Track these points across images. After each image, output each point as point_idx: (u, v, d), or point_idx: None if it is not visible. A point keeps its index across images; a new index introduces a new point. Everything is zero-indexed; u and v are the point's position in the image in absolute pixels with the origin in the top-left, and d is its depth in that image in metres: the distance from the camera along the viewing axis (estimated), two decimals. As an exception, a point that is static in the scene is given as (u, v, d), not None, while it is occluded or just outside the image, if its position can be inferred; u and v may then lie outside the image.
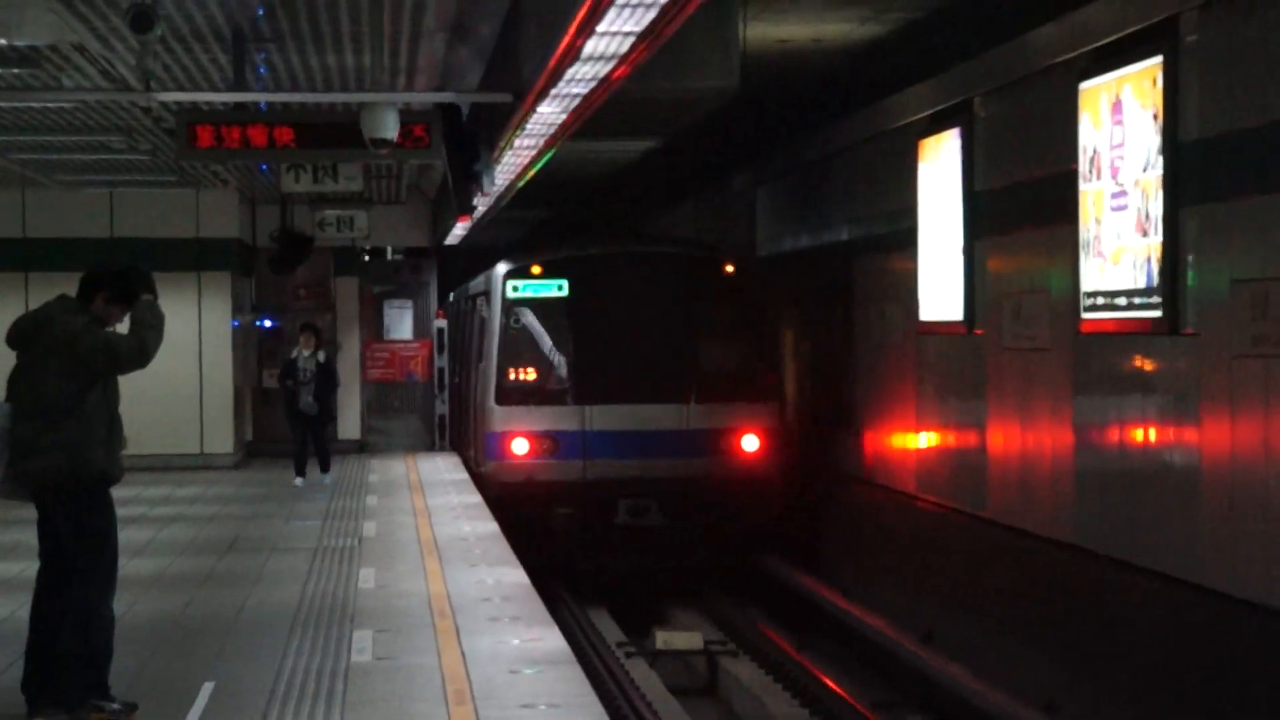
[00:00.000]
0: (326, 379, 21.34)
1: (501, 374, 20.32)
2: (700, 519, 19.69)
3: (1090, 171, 12.31)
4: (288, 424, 21.74)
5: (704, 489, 19.71)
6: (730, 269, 20.70)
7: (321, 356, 21.33)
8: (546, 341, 20.38)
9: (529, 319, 20.42)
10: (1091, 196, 12.32)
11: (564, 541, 19.77)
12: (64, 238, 23.25)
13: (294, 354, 21.45)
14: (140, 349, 8.47)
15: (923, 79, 16.19)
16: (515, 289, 20.49)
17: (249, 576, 13.69)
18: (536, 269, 20.55)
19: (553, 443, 19.98)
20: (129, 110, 15.84)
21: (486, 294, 21.36)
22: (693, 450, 19.82)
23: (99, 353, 8.44)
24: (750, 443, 20.01)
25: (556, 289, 20.44)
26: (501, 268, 20.81)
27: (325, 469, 21.61)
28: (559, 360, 20.35)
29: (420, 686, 9.39)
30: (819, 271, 20.68)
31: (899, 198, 16.95)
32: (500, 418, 20.23)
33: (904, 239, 16.71)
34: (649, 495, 19.69)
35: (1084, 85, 12.33)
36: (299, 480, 21.19)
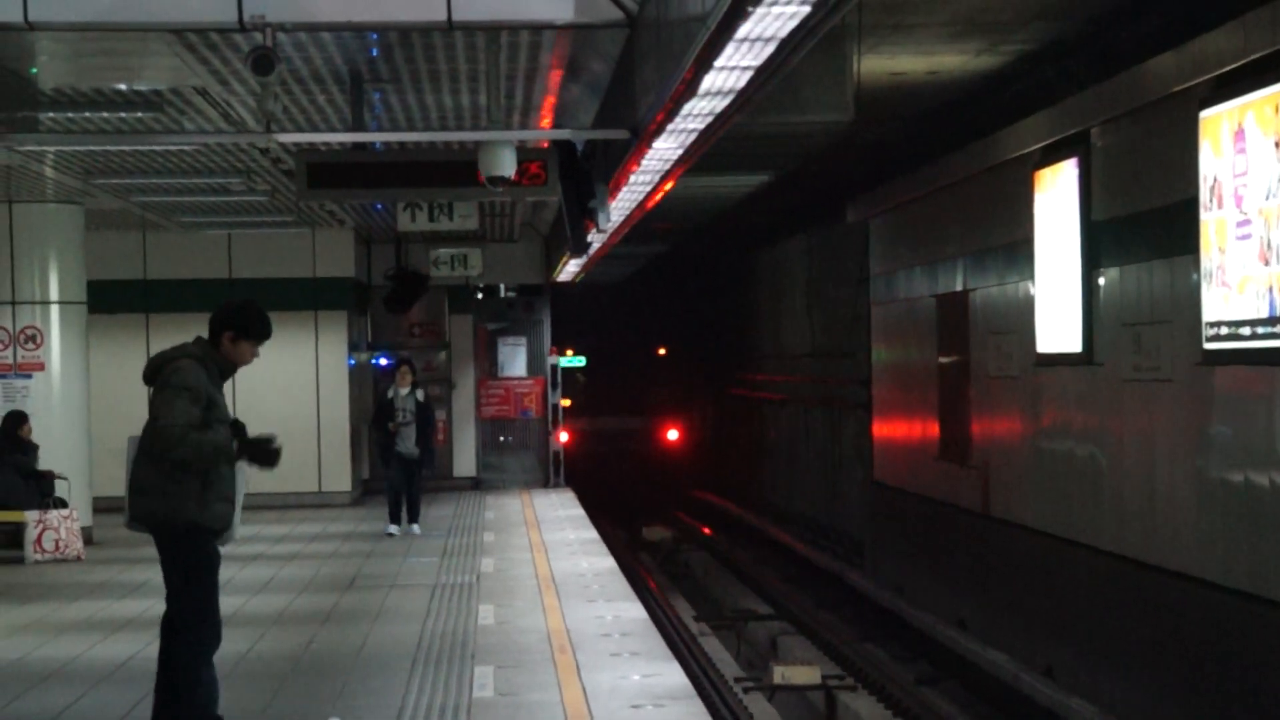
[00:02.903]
0: (426, 419, 19.77)
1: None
2: (647, 472, 41.14)
3: (1211, 200, 12.17)
4: (382, 467, 20.27)
5: (649, 458, 41.83)
6: (662, 351, 43.94)
7: (420, 395, 19.76)
8: (574, 385, 39.39)
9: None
10: (1213, 225, 12.17)
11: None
12: (183, 279, 23.60)
13: (390, 393, 19.72)
14: (177, 440, 8.14)
15: (1038, 110, 16.07)
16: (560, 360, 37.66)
17: (369, 613, 13.77)
18: (570, 351, 38.86)
19: (578, 435, 38.96)
20: (248, 152, 16.03)
21: None
22: (644, 439, 42.28)
23: (159, 409, 8.26)
24: (672, 434, 42.50)
25: (580, 360, 40.84)
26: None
27: (414, 518, 19.90)
28: (581, 394, 40.84)
29: (543, 723, 9.40)
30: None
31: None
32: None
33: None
34: (623, 460, 41.15)
35: (1204, 113, 12.19)
36: (394, 528, 19.75)
